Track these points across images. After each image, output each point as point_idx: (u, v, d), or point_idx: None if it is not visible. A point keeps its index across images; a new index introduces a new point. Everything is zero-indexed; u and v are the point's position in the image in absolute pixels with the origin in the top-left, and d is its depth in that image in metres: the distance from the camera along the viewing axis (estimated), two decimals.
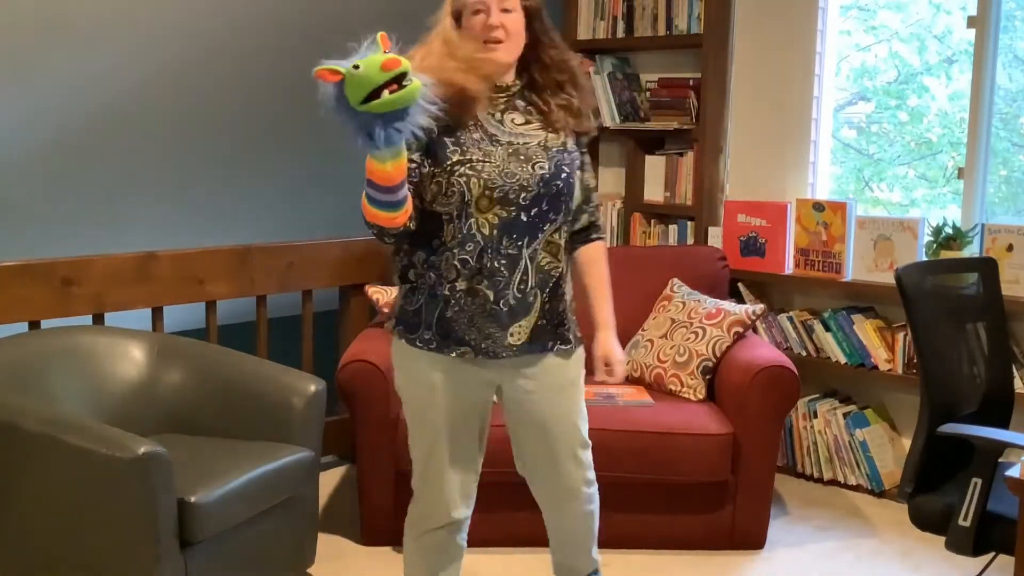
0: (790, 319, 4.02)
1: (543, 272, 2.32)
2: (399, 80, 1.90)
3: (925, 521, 2.58)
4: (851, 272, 3.90)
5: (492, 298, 2.27)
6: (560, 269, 2.35)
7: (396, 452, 3.19)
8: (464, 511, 2.48)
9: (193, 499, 2.47)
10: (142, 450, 2.38)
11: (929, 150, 4.36)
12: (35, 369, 2.87)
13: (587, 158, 2.43)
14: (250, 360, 3.10)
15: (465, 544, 2.55)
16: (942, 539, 2.49)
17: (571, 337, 2.40)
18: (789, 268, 4.06)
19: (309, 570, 3.05)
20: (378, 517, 3.27)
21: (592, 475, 2.52)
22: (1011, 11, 3.78)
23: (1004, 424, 2.86)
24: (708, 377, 3.43)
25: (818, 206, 3.93)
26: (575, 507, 2.52)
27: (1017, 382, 3.29)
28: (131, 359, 3.06)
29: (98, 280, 3.26)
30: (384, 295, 3.54)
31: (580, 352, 2.45)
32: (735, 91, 4.24)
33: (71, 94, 3.81)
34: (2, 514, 2.60)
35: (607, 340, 2.45)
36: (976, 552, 2.44)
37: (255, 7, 3.99)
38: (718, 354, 3.42)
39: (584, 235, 2.46)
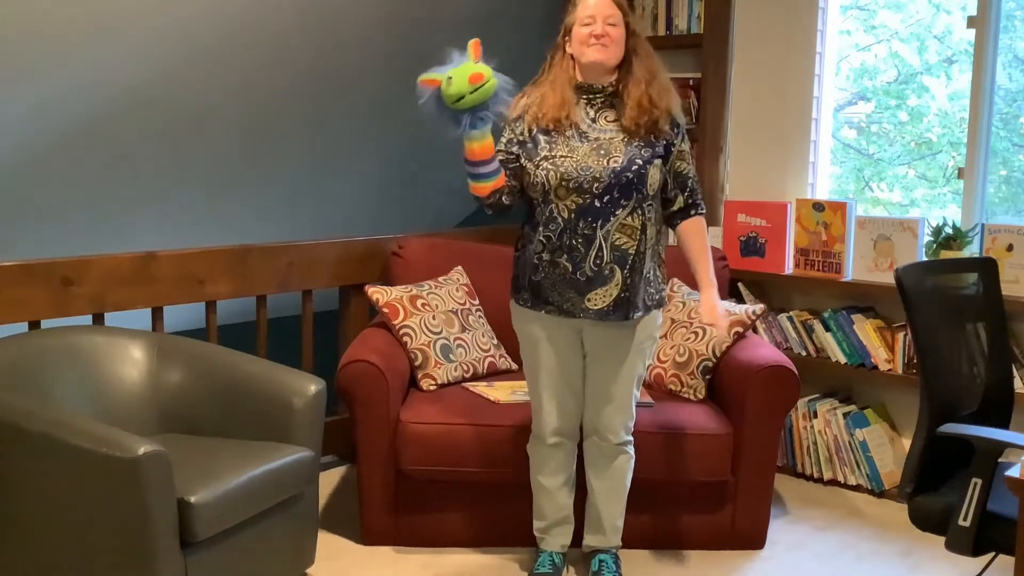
0: (790, 319, 4.02)
1: (619, 250, 2.75)
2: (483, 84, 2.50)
3: (925, 521, 2.58)
4: (851, 272, 3.90)
5: (571, 269, 2.76)
6: (635, 247, 2.77)
7: (396, 452, 3.20)
8: (556, 438, 2.98)
9: (193, 499, 2.47)
10: (142, 450, 2.38)
11: (929, 150, 4.36)
12: (35, 369, 2.87)
13: (685, 146, 2.87)
14: (250, 360, 3.09)
15: (571, 462, 3.04)
16: (942, 539, 2.49)
17: (649, 304, 2.86)
18: (789, 268, 4.07)
19: (309, 570, 3.05)
20: (378, 517, 3.27)
21: (631, 431, 2.99)
22: (1011, 11, 3.78)
23: (1004, 424, 2.86)
24: (708, 377, 3.43)
25: (818, 206, 3.93)
26: (614, 450, 2.96)
27: (1017, 382, 3.29)
28: (131, 359, 3.06)
29: (98, 280, 3.26)
30: (384, 295, 3.54)
31: (655, 315, 2.91)
32: (735, 91, 4.24)
33: (71, 95, 3.81)
34: (2, 514, 2.60)
35: (707, 298, 2.87)
36: (976, 552, 2.44)
37: (255, 9, 3.99)
38: (718, 354, 3.42)
39: (683, 213, 2.90)
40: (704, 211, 2.95)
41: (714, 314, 2.85)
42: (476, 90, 2.48)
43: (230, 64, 4.12)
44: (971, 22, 3.68)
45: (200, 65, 4.05)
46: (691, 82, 4.21)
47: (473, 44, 2.53)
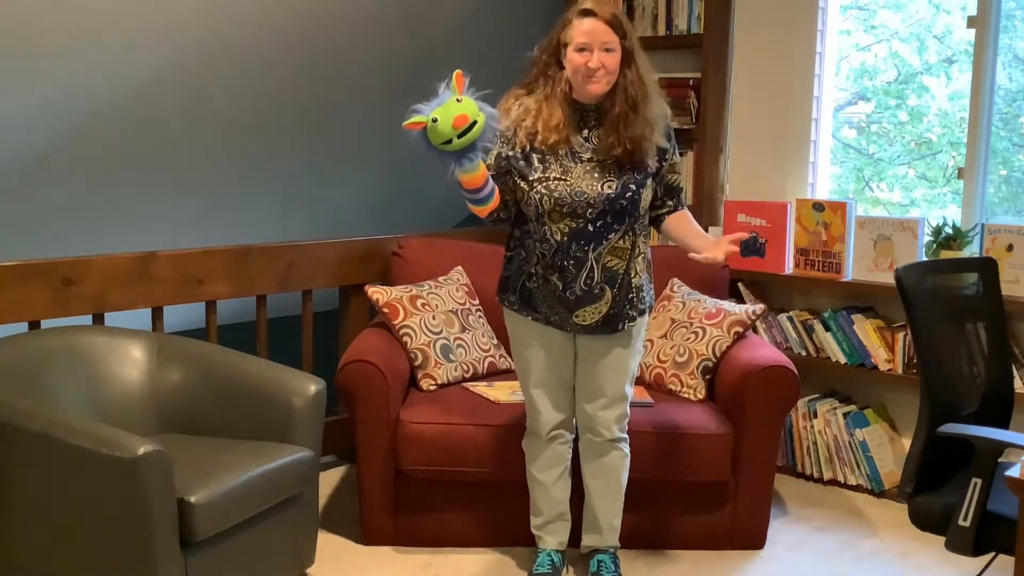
0: (790, 319, 4.02)
1: (609, 271, 2.77)
2: (469, 127, 2.43)
3: (925, 521, 2.58)
4: (851, 272, 3.90)
5: (561, 287, 2.77)
6: (624, 267, 2.78)
7: (396, 452, 3.20)
8: (551, 432, 2.99)
9: (193, 499, 2.47)
10: (142, 450, 2.38)
11: (929, 150, 4.37)
12: (35, 369, 2.87)
13: (676, 158, 2.86)
14: (250, 360, 3.09)
15: (566, 455, 3.04)
16: (942, 539, 2.49)
17: (641, 308, 2.86)
18: (789, 268, 4.06)
19: (309, 570, 3.05)
20: (378, 517, 3.27)
21: (625, 429, 2.98)
22: (1011, 11, 3.78)
23: (1004, 424, 2.86)
24: (708, 377, 3.43)
25: (818, 206, 3.93)
26: (606, 446, 2.96)
27: (1017, 382, 3.29)
28: (131, 359, 3.06)
29: (98, 280, 3.26)
30: (384, 295, 3.54)
31: (642, 321, 2.90)
32: (735, 91, 4.24)
33: (71, 95, 3.81)
34: (2, 514, 2.60)
35: (706, 244, 2.77)
36: (976, 552, 2.44)
37: (256, 9, 3.99)
38: (718, 354, 3.42)
39: (671, 212, 2.90)
40: (686, 210, 2.96)
41: (716, 247, 2.73)
42: (463, 134, 2.40)
43: (230, 64, 4.12)
44: (971, 22, 3.68)
45: (200, 65, 4.05)
46: (691, 82, 4.20)
47: (456, 76, 2.43)
